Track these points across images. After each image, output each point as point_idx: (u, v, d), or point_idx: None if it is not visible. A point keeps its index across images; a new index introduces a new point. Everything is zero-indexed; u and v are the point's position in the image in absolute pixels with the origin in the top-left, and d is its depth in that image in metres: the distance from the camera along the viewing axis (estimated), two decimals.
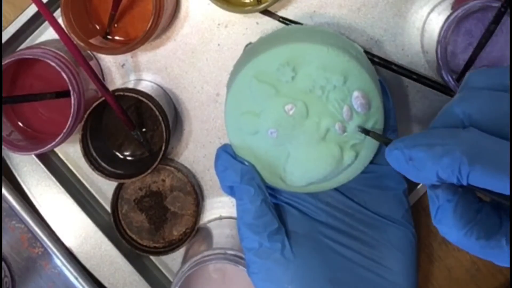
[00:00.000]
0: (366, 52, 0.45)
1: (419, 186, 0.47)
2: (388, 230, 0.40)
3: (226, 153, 0.39)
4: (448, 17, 0.39)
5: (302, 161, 0.38)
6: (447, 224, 0.26)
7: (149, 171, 0.44)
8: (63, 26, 0.40)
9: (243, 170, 0.38)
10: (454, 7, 0.41)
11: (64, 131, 0.41)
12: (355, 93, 0.36)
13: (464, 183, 0.24)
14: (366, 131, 0.36)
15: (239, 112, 0.38)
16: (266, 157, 0.39)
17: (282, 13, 0.46)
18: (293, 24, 0.44)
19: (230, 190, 0.39)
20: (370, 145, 0.38)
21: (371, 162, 0.40)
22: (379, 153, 0.40)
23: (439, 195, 0.26)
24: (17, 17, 0.46)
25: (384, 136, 0.39)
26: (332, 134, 0.37)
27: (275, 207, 0.40)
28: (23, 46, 0.48)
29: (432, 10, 0.45)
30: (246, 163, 0.39)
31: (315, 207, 0.40)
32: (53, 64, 0.41)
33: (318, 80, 0.36)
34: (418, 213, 0.48)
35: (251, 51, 0.40)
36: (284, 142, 0.38)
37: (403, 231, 0.40)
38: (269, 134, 0.37)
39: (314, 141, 0.37)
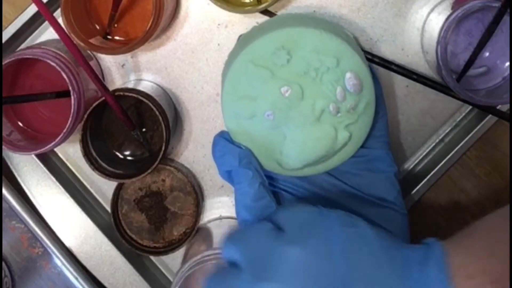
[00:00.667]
0: (366, 52, 0.45)
1: (419, 186, 0.47)
2: (381, 211, 0.41)
3: (224, 139, 0.40)
4: (448, 17, 0.39)
5: (298, 142, 0.39)
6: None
7: (149, 171, 0.44)
8: (63, 26, 0.40)
9: (241, 154, 0.39)
10: (454, 7, 0.41)
11: (64, 131, 0.41)
12: (348, 74, 0.38)
13: None
14: None
15: (235, 97, 0.39)
16: (263, 141, 0.39)
17: (282, 13, 0.46)
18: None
19: (228, 175, 0.40)
20: (362, 126, 0.40)
21: (362, 146, 0.41)
22: (369, 137, 0.41)
23: None
24: (17, 17, 0.46)
25: None
26: (326, 115, 0.38)
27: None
28: (23, 46, 0.48)
29: (432, 10, 0.45)
30: (243, 147, 0.40)
31: (310, 192, 0.41)
32: (53, 64, 0.41)
33: (312, 62, 0.37)
34: (418, 213, 0.48)
35: (246, 38, 0.41)
36: (280, 124, 0.39)
37: (395, 211, 0.41)
38: (266, 116, 0.38)
39: (310, 122, 0.38)
